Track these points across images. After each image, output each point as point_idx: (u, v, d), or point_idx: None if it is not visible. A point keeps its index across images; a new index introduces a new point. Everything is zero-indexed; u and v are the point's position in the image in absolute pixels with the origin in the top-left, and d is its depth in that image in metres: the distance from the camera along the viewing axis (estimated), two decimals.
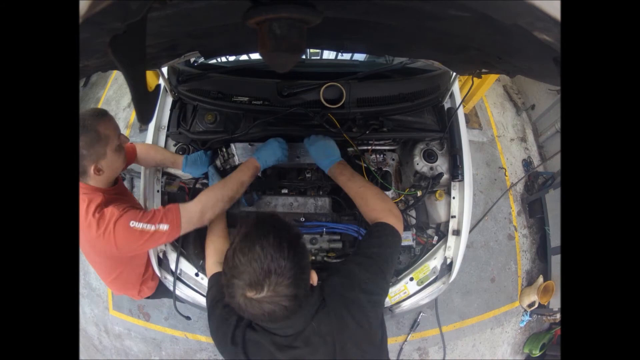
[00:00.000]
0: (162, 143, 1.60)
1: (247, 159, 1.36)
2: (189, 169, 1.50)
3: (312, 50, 1.90)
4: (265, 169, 1.39)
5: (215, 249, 1.22)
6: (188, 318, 1.60)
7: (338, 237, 1.47)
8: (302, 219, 1.46)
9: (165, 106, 1.62)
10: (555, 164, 3.17)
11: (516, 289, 2.84)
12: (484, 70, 1.03)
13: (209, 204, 1.21)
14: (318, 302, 0.85)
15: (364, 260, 0.96)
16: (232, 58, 1.87)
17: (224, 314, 0.93)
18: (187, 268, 1.47)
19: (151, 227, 1.09)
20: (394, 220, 1.07)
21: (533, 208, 3.04)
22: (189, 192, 1.58)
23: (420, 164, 1.56)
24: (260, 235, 0.76)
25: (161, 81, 1.53)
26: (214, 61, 1.84)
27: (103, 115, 1.10)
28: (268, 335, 0.84)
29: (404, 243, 1.52)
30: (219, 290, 0.97)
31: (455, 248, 1.53)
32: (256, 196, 1.45)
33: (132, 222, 1.07)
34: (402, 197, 1.61)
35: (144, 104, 0.57)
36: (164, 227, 1.11)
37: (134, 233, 1.08)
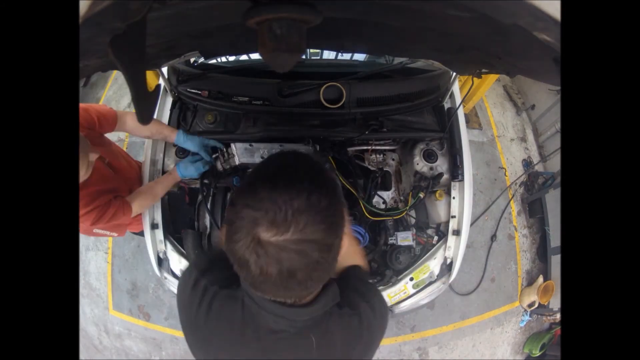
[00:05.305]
0: (161, 143, 1.60)
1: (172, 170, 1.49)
2: (184, 144, 1.48)
3: (312, 50, 1.90)
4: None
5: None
6: None
7: None
8: None
9: (165, 106, 1.62)
10: (555, 164, 3.17)
11: (516, 289, 2.84)
12: (484, 70, 1.03)
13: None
14: (335, 297, 0.64)
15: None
16: (232, 58, 1.87)
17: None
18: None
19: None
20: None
21: (533, 208, 3.04)
22: (188, 192, 1.58)
23: (420, 164, 1.56)
24: (289, 164, 0.58)
25: (161, 81, 1.53)
26: (214, 61, 1.84)
27: None
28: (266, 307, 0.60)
29: (404, 243, 1.52)
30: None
31: (455, 248, 1.53)
32: None
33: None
34: (401, 197, 1.61)
35: (144, 104, 0.56)
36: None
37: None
